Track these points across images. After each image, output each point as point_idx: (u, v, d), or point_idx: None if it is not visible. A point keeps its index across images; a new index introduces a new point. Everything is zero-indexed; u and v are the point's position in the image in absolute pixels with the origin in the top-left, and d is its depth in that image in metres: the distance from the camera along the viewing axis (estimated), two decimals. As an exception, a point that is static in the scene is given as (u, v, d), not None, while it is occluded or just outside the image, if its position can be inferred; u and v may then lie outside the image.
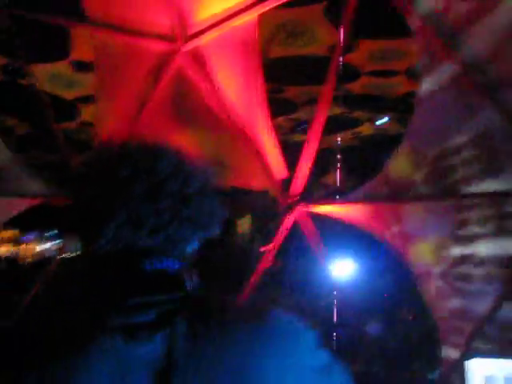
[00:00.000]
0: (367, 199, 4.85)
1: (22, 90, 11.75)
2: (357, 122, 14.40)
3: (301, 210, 5.23)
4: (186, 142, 5.50)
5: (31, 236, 19.47)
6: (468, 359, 2.47)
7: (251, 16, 4.69)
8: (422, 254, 4.86)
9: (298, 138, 15.62)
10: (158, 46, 5.16)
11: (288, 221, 5.29)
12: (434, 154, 4.65)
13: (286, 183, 5.25)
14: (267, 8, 4.60)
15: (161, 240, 1.14)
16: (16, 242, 19.91)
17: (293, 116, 13.43)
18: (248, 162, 5.30)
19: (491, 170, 4.39)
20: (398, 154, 4.71)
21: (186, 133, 5.46)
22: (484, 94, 4.01)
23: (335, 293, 6.21)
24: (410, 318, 10.95)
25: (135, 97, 5.32)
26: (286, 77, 10.57)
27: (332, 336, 10.19)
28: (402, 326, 11.03)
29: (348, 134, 15.03)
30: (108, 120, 5.35)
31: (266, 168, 5.23)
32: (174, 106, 5.42)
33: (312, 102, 12.53)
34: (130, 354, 1.04)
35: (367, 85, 11.17)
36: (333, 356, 1.21)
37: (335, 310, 10.48)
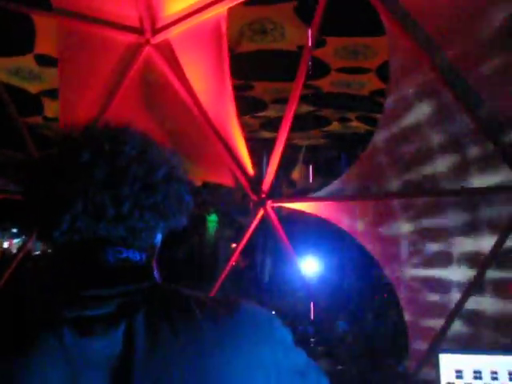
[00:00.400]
0: (336, 196, 4.86)
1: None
2: (326, 121, 14.50)
3: (269, 206, 5.19)
4: (153, 139, 5.41)
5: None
6: (438, 354, 2.48)
7: (220, 10, 4.63)
8: (390, 250, 4.91)
9: (266, 135, 15.67)
10: (127, 38, 5.05)
11: (257, 217, 5.25)
12: (405, 152, 4.68)
13: (254, 180, 5.21)
14: (236, 2, 4.55)
15: (122, 230, 1.06)
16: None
17: (261, 114, 13.43)
18: (217, 157, 5.24)
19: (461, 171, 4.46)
20: (368, 151, 4.73)
21: (154, 130, 5.35)
22: (457, 97, 4.04)
23: (303, 290, 6.20)
24: (380, 313, 11.09)
25: (101, 89, 5.19)
26: (254, 72, 10.54)
27: (305, 334, 10.23)
28: (372, 322, 11.17)
29: (317, 132, 15.13)
30: (72, 113, 5.19)
31: (234, 164, 5.17)
32: (142, 97, 5.31)
33: (281, 100, 12.58)
34: (83, 351, 0.93)
35: (336, 82, 11.24)
36: (308, 356, 1.16)
37: (304, 307, 10.52)
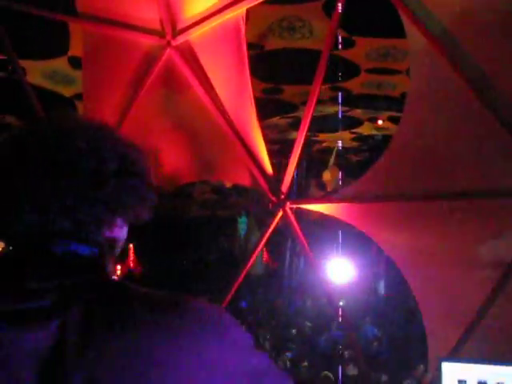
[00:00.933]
0: (355, 198, 4.78)
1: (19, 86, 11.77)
2: (357, 122, 14.33)
3: (288, 207, 5.16)
4: (174, 140, 5.46)
5: None
6: (441, 362, 2.40)
7: (239, 10, 4.63)
8: (410, 255, 4.79)
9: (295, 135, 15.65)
10: (148, 41, 5.13)
11: (275, 218, 5.22)
12: (425, 153, 4.56)
13: (273, 181, 5.18)
14: (255, 2, 4.54)
15: (68, 223, 1.05)
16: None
17: (291, 115, 13.37)
18: (235, 158, 5.23)
19: (479, 172, 4.32)
20: (387, 152, 4.63)
21: (175, 130, 5.41)
22: (477, 97, 3.92)
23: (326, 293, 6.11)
24: (402, 320, 10.87)
25: (124, 91, 5.27)
26: (283, 72, 10.52)
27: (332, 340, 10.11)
28: (394, 328, 10.96)
29: (347, 133, 14.97)
30: (95, 115, 5.30)
31: (253, 164, 5.16)
32: (163, 99, 5.37)
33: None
34: (15, 344, 0.92)
35: (367, 83, 11.10)
36: (269, 360, 1.12)
37: (332, 311, 10.41)
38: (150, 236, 19.14)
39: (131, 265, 18.46)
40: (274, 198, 5.20)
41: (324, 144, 16.26)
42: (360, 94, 11.48)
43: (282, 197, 5.20)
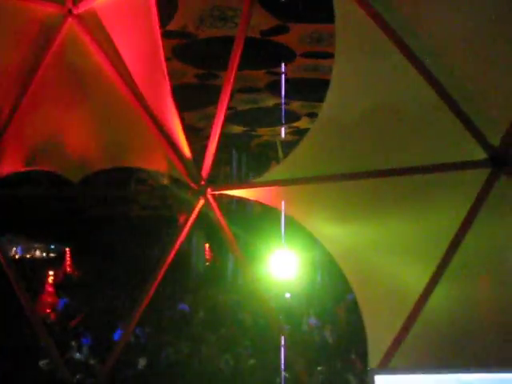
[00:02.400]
0: (276, 181, 4.40)
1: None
2: (295, 117, 14.03)
3: (210, 194, 4.72)
4: (80, 119, 4.89)
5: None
6: (373, 375, 2.04)
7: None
8: (341, 239, 4.46)
9: (235, 129, 15.19)
10: (46, 9, 4.53)
11: (197, 207, 4.77)
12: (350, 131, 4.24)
13: (192, 166, 4.73)
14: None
15: None
16: None
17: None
18: (152, 143, 4.73)
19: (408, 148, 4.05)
20: (310, 132, 4.30)
21: (81, 109, 4.83)
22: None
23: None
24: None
25: (18, 70, 4.66)
26: (215, 60, 10.11)
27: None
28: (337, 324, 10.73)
29: (287, 128, 14.70)
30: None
31: (171, 150, 4.68)
32: (67, 77, 4.78)
33: (245, 90, 12.11)
34: None
35: (302, 66, 10.74)
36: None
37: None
38: (87, 238, 18.29)
39: (68, 269, 17.52)
40: (193, 185, 4.74)
41: (264, 138, 15.94)
42: (296, 79, 11.11)
43: (203, 183, 4.75)
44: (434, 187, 4.11)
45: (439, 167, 3.98)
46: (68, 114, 4.79)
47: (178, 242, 4.90)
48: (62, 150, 4.90)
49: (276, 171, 4.57)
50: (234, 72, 4.49)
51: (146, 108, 4.64)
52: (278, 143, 15.80)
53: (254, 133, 15.96)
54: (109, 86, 4.65)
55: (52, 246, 22.82)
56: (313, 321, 10.80)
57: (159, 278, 4.97)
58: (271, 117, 13.35)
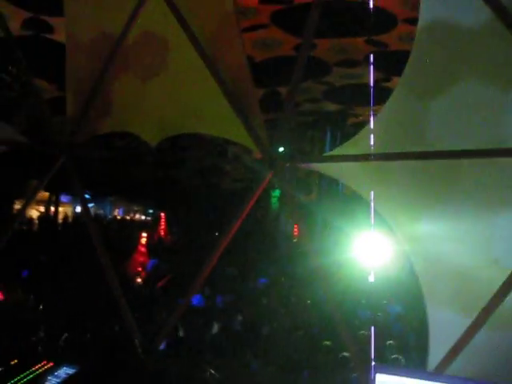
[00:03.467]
0: (349, 156, 4.21)
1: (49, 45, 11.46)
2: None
3: (281, 165, 4.66)
4: (159, 84, 5.03)
5: (64, 198, 19.86)
6: (375, 373, 1.90)
7: None
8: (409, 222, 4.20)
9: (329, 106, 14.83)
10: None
11: (267, 178, 4.73)
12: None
13: (263, 138, 4.68)
14: None
15: None
16: (47, 203, 20.32)
17: (324, 79, 12.51)
18: (226, 111, 4.74)
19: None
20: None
21: (161, 75, 4.96)
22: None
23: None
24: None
25: (108, 36, 4.87)
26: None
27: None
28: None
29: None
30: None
31: (244, 119, 4.66)
32: (149, 44, 4.92)
33: (343, 64, 11.58)
34: None
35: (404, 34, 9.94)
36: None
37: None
38: (183, 206, 19.10)
39: (162, 233, 18.45)
40: (263, 156, 4.70)
41: (361, 118, 15.42)
42: (398, 51, 10.32)
43: (274, 156, 4.69)
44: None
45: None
46: (148, 80, 4.95)
47: (244, 213, 4.90)
48: (141, 113, 5.09)
49: (348, 146, 4.37)
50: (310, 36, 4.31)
51: (219, 75, 4.65)
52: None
53: (351, 111, 15.49)
54: (186, 53, 4.71)
55: (150, 211, 24.18)
56: (393, 308, 10.43)
57: (222, 246, 5.02)
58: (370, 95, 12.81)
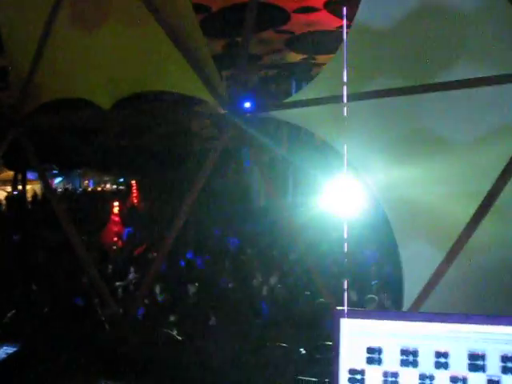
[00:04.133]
0: (302, 102, 4.07)
1: None
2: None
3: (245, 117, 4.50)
4: (105, 43, 4.74)
5: (31, 175, 19.24)
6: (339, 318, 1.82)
7: None
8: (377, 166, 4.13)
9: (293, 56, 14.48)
10: None
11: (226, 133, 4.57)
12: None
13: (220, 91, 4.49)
14: None
15: None
16: (14, 182, 19.72)
17: (285, 27, 12.13)
18: (180, 65, 4.51)
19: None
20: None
21: (106, 33, 4.66)
22: None
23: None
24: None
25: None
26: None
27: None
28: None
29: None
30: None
31: (199, 72, 4.44)
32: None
33: (302, 10, 11.26)
34: None
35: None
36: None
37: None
38: (152, 171, 18.78)
39: (134, 201, 18.20)
40: (221, 109, 4.53)
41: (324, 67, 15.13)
42: None
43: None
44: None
45: (489, 80, 3.49)
46: (94, 39, 4.65)
47: (207, 169, 4.77)
48: (91, 76, 4.81)
49: (307, 91, 4.22)
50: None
51: (173, 30, 4.39)
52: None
53: (313, 61, 15.18)
54: (136, 11, 4.42)
55: (121, 180, 23.78)
56: (368, 253, 10.58)
57: (189, 205, 4.90)
58: (333, 42, 12.55)
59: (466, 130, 3.87)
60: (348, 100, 3.85)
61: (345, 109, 3.84)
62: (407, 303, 3.82)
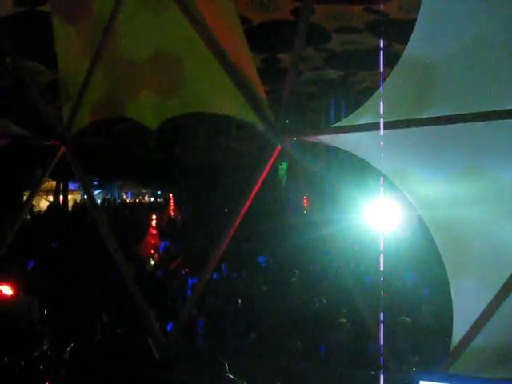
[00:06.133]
0: (361, 126, 4.04)
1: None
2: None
3: (287, 138, 4.51)
4: (155, 63, 4.84)
5: (72, 186, 19.78)
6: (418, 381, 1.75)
7: None
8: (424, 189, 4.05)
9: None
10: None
11: (275, 153, 4.58)
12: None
13: (267, 112, 4.51)
14: None
15: None
16: (56, 192, 20.25)
17: (325, 46, 12.15)
18: (227, 87, 4.55)
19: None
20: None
21: (157, 53, 4.76)
22: None
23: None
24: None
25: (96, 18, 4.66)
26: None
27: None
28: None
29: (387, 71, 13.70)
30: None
31: (246, 94, 4.49)
32: (144, 22, 4.71)
33: (344, 30, 11.27)
34: None
35: (405, 5, 9.79)
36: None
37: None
38: (188, 185, 18.99)
39: (171, 214, 18.43)
40: (270, 131, 4.54)
41: (364, 85, 15.04)
42: (397, 20, 10.14)
43: (280, 129, 4.53)
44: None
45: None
46: (144, 62, 4.76)
47: (255, 189, 4.78)
48: (139, 97, 4.92)
49: (356, 116, 4.19)
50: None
51: (221, 52, 4.45)
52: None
53: (353, 78, 15.12)
54: (184, 32, 4.51)
55: (158, 192, 24.12)
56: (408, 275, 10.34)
57: (236, 223, 4.92)
58: (372, 60, 12.48)
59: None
60: (393, 127, 3.82)
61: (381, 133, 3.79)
62: (456, 337, 3.70)
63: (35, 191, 6.65)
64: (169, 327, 6.18)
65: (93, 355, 4.56)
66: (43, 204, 22.19)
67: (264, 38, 10.71)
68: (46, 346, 4.71)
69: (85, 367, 4.46)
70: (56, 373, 4.23)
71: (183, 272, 10.73)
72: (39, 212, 19.98)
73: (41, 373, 4.17)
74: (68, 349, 4.62)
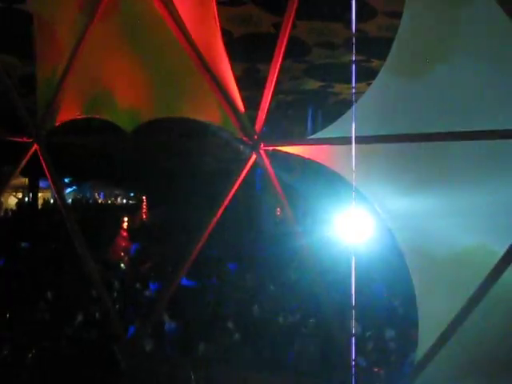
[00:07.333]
0: (335, 139, 4.09)
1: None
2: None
3: (262, 149, 4.52)
4: (133, 68, 4.81)
5: (42, 184, 19.35)
6: None
7: None
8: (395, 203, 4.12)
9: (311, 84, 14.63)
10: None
11: (249, 163, 4.59)
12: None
13: (245, 121, 4.52)
14: None
15: None
16: (26, 189, 19.81)
17: (305, 58, 12.37)
18: (205, 93, 4.56)
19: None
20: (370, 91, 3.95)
21: (135, 58, 4.73)
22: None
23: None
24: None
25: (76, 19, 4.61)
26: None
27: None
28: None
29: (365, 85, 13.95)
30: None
31: (225, 102, 4.49)
32: (122, 31, 4.67)
33: (323, 45, 11.49)
34: None
35: (384, 25, 10.10)
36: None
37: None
38: (163, 188, 18.81)
39: (144, 217, 18.23)
40: (245, 139, 4.55)
41: (341, 96, 15.27)
42: (377, 38, 10.41)
43: (255, 137, 4.55)
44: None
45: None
46: (121, 64, 4.72)
47: (228, 197, 4.77)
48: (115, 99, 4.87)
49: (331, 129, 4.24)
50: (291, 19, 4.15)
51: (199, 57, 4.45)
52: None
53: (331, 89, 15.32)
54: (162, 35, 4.49)
55: (131, 194, 23.84)
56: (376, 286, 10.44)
57: (208, 231, 4.91)
58: (350, 73, 12.66)
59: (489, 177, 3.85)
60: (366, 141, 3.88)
61: (353, 148, 3.82)
62: (421, 350, 3.76)
63: (3, 187, 6.50)
64: (130, 331, 6.09)
65: (56, 361, 4.45)
66: (11, 201, 21.69)
67: (244, 48, 10.83)
68: (5, 352, 4.58)
69: (47, 374, 4.35)
70: (17, 379, 4.10)
71: (152, 275, 10.60)
72: (6, 209, 19.54)
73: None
74: (30, 355, 4.49)
